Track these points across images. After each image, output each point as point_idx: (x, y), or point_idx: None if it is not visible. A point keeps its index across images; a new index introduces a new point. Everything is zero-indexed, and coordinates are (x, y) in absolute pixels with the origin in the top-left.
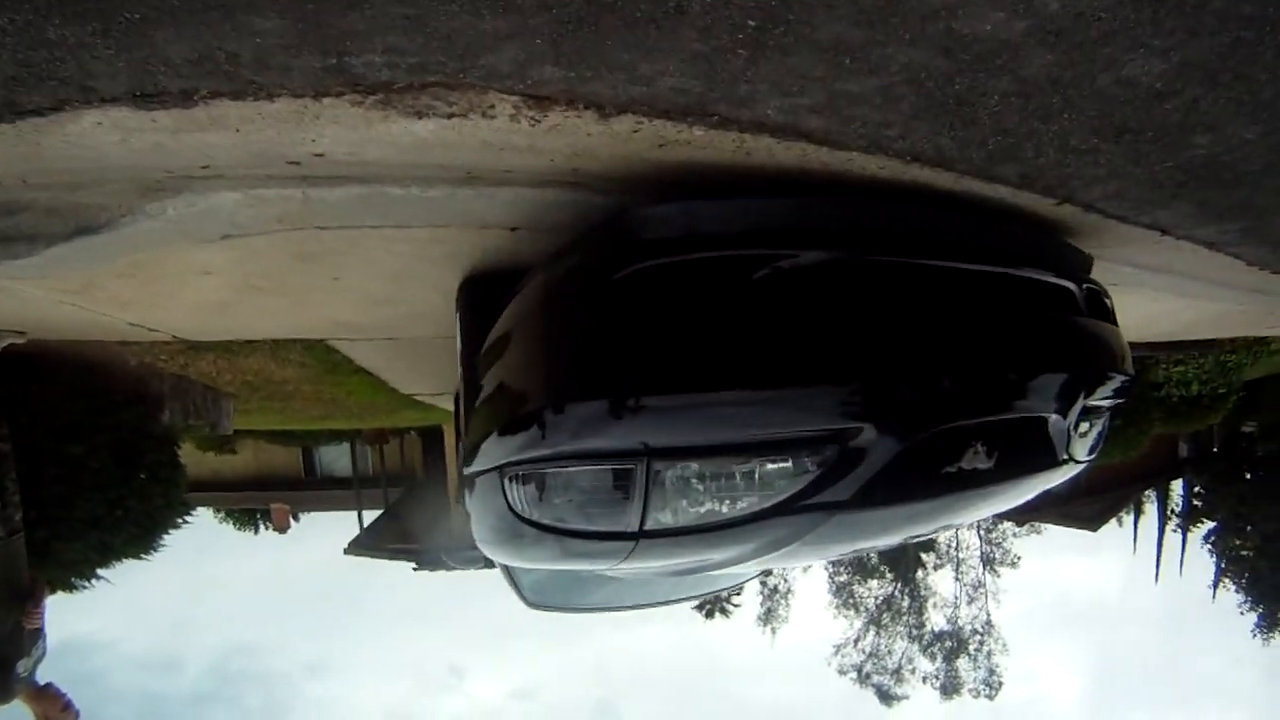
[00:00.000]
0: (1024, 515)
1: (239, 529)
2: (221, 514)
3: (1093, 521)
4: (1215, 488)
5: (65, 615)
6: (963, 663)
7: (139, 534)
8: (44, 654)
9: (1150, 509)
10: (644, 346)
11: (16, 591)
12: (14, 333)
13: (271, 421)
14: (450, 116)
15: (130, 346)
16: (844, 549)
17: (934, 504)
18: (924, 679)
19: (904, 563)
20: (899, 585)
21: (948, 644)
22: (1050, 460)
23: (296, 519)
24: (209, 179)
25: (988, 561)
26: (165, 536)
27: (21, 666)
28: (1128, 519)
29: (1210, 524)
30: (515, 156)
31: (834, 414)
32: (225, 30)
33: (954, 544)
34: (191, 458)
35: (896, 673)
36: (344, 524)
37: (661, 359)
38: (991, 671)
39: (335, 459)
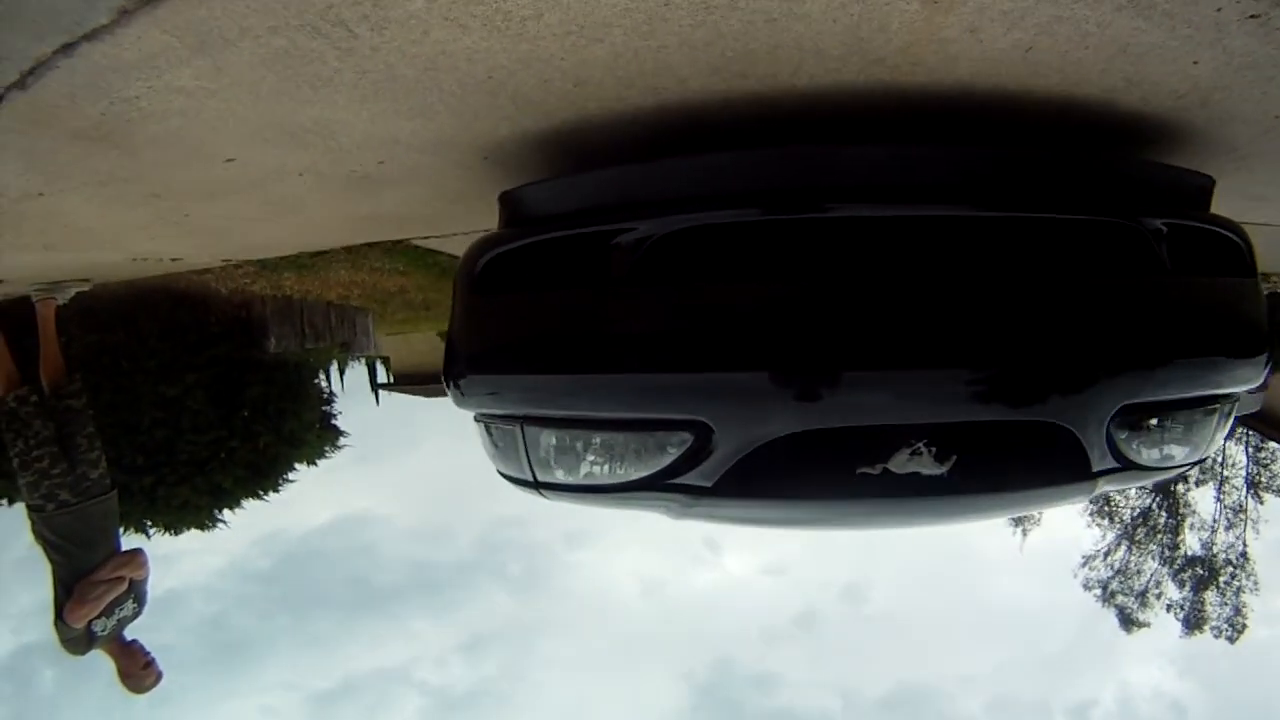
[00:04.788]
0: None
1: None
2: None
3: None
4: None
5: (347, 493)
6: (1210, 595)
7: (247, 476)
8: (136, 615)
9: None
10: (503, 331)
11: (105, 554)
12: (79, 281)
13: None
14: None
15: (206, 274)
16: (764, 524)
17: (846, 506)
18: (1168, 607)
19: None
20: (1158, 498)
21: (1199, 572)
22: (1071, 472)
23: None
24: None
25: (1253, 484)
26: (291, 474)
27: (99, 626)
28: None
29: None
30: None
31: (681, 402)
32: None
33: (1220, 459)
34: None
35: (1142, 596)
36: None
37: (516, 343)
38: (1237, 610)
39: None
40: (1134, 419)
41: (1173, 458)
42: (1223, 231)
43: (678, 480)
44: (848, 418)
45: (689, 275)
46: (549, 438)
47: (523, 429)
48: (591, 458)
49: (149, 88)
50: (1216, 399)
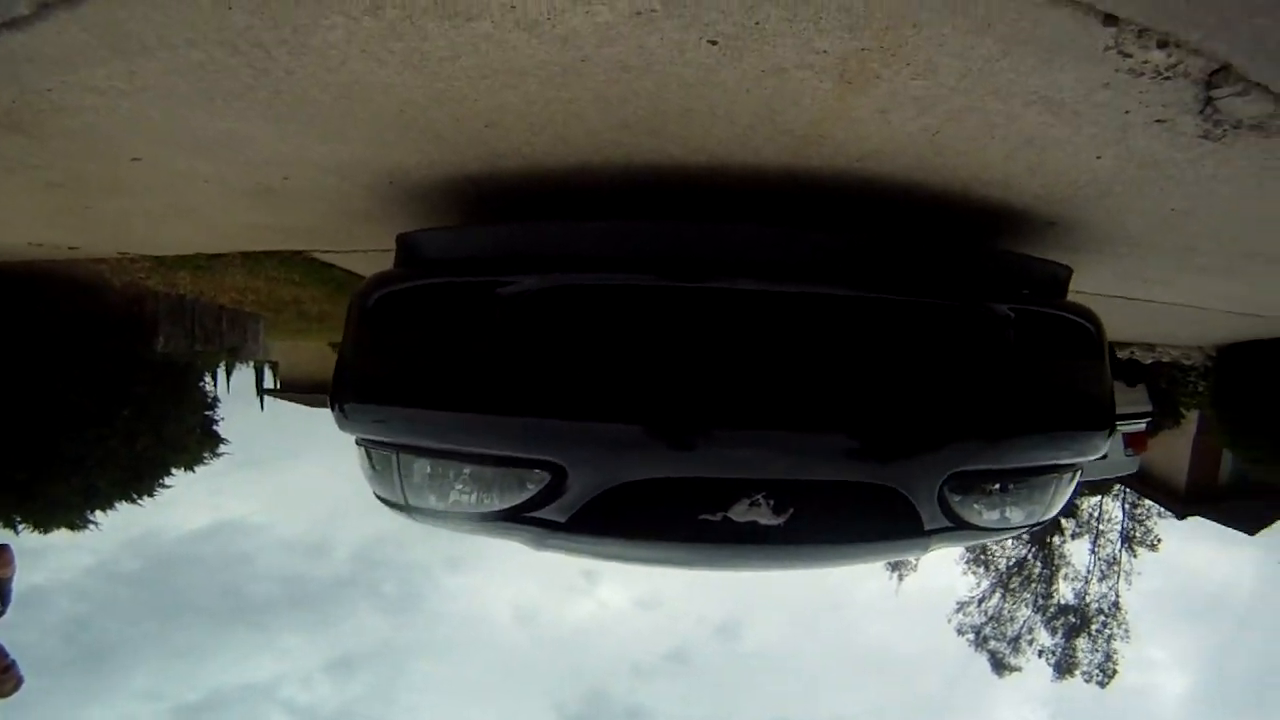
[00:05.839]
0: (1183, 507)
1: None
2: None
3: (1251, 523)
4: None
5: (224, 498)
6: (1082, 642)
7: (126, 477)
8: (0, 614)
9: None
10: (388, 365)
11: None
12: None
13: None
14: None
15: (100, 264)
16: (614, 560)
17: (689, 548)
18: (1040, 653)
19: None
20: (1034, 548)
21: (1071, 620)
22: (904, 530)
23: None
24: None
25: (1127, 539)
26: (168, 478)
27: None
28: None
29: None
30: None
31: (541, 445)
32: None
33: (1096, 514)
34: None
35: (1014, 641)
36: None
37: (399, 378)
38: (1108, 657)
39: None
40: (969, 483)
41: (1009, 520)
42: (1072, 317)
43: (535, 514)
44: (691, 470)
45: (557, 330)
46: (422, 466)
47: (398, 456)
48: (459, 487)
49: (63, 82)
50: (1056, 468)
